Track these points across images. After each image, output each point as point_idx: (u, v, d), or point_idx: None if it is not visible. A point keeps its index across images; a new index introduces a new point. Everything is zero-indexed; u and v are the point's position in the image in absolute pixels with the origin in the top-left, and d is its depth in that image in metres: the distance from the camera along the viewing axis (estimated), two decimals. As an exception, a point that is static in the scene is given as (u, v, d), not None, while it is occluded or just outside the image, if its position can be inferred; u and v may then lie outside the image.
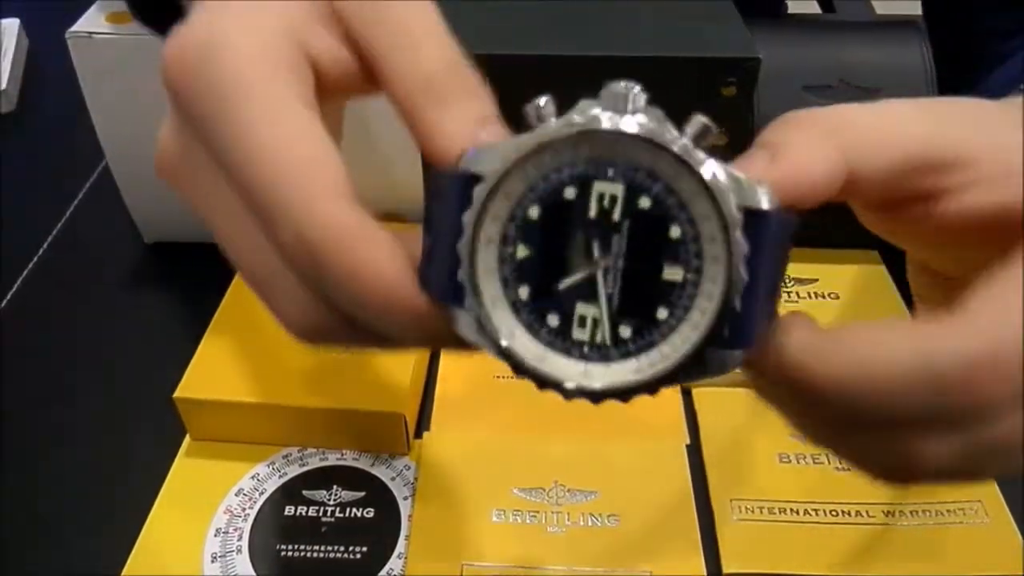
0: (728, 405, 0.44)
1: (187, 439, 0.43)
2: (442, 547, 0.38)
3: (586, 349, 0.20)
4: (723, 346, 0.19)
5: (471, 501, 0.40)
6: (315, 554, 0.38)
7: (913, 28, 0.54)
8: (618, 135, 0.19)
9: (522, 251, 0.19)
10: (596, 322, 0.19)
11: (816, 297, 0.50)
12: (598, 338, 0.19)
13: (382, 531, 0.39)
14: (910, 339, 0.19)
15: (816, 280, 0.51)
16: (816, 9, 0.80)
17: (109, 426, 0.45)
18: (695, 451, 0.42)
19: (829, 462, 0.41)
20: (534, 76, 0.46)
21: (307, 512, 0.40)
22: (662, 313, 0.19)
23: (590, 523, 0.39)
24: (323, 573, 0.37)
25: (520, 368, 0.20)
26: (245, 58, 0.21)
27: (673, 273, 0.19)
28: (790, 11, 0.80)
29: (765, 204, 0.19)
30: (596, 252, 0.19)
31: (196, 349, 0.43)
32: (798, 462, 0.41)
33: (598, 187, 0.19)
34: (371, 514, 0.40)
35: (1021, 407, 0.20)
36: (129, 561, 0.37)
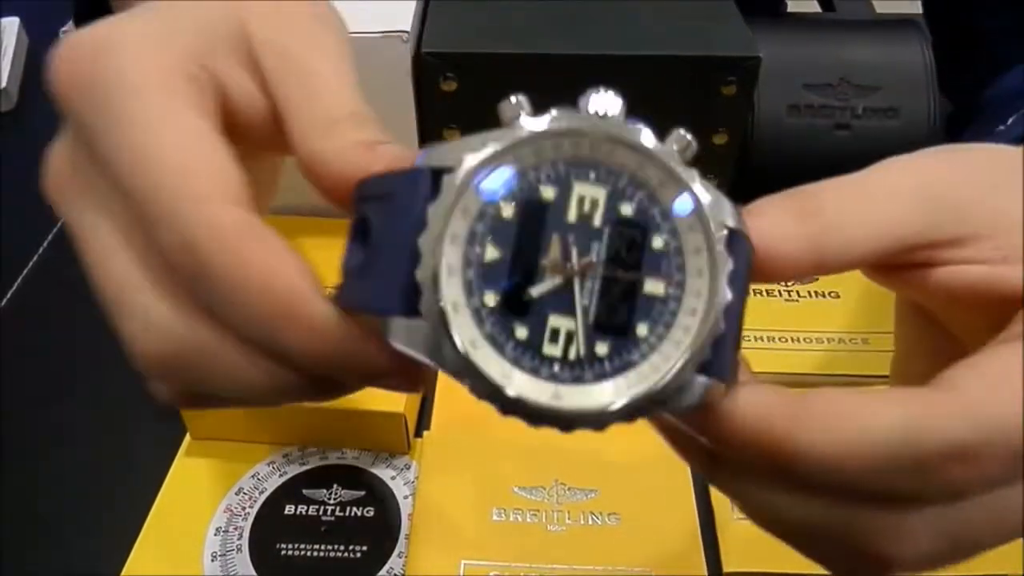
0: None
1: (187, 439, 0.43)
2: (442, 546, 0.38)
3: (557, 368, 0.18)
4: (705, 372, 0.18)
5: (471, 500, 0.40)
6: (315, 553, 0.38)
7: (913, 27, 0.55)
8: (604, 137, 0.18)
9: (491, 253, 0.17)
10: (570, 336, 0.18)
11: (816, 296, 0.49)
12: (571, 354, 0.18)
13: (382, 530, 0.39)
14: (894, 413, 0.18)
15: (816, 279, 0.50)
16: (816, 8, 0.80)
17: (109, 426, 0.44)
18: (695, 450, 0.42)
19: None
20: (534, 76, 0.46)
21: (307, 511, 0.40)
22: (642, 330, 0.18)
23: (590, 522, 0.39)
24: (323, 572, 0.37)
25: (480, 386, 0.17)
26: (137, 59, 0.20)
27: (655, 286, 0.18)
28: (790, 10, 0.80)
29: (732, 222, 0.18)
30: (574, 258, 0.18)
31: (196, 348, 0.43)
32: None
33: (579, 189, 0.18)
34: (371, 513, 0.40)
35: (1010, 484, 0.19)
36: (129, 561, 0.37)
